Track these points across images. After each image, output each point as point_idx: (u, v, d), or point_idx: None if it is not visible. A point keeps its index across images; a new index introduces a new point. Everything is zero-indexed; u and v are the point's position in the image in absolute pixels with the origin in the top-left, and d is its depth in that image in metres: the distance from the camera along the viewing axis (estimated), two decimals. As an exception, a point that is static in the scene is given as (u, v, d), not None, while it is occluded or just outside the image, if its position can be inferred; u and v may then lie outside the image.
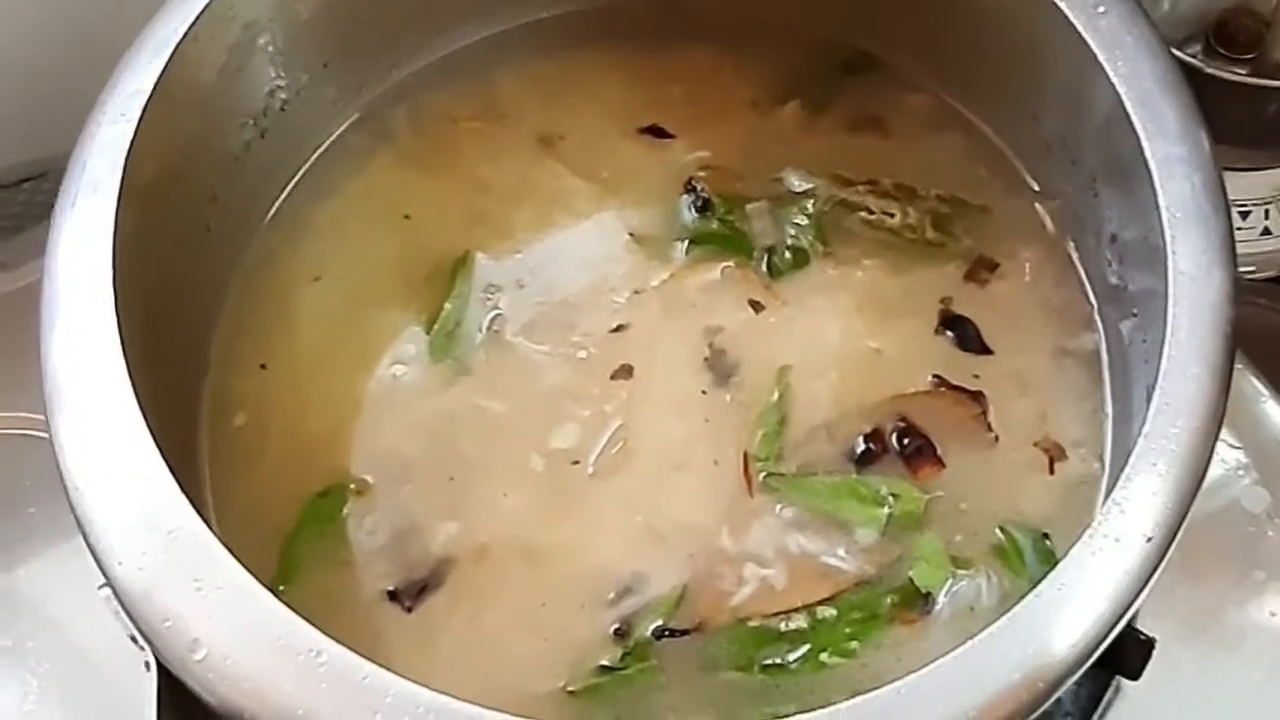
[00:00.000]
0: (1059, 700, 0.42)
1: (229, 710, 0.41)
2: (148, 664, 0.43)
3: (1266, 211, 0.81)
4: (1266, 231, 0.81)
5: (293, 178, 0.65)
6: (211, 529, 0.54)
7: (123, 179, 0.51)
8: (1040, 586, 0.42)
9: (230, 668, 0.41)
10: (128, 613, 0.43)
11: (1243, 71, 0.80)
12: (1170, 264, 0.47)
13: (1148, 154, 0.50)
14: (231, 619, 0.42)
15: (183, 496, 0.45)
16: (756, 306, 0.61)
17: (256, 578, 0.44)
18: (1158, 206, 0.49)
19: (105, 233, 0.49)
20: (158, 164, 0.55)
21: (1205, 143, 0.50)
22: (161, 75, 0.53)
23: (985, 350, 0.60)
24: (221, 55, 0.58)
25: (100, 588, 0.44)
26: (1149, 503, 0.43)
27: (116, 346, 0.48)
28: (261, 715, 0.41)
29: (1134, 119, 0.51)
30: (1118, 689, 0.60)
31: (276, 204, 0.65)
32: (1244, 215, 0.81)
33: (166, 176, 0.56)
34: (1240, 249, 0.78)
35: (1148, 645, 0.53)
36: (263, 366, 0.61)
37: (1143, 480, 0.44)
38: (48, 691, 0.53)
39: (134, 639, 0.43)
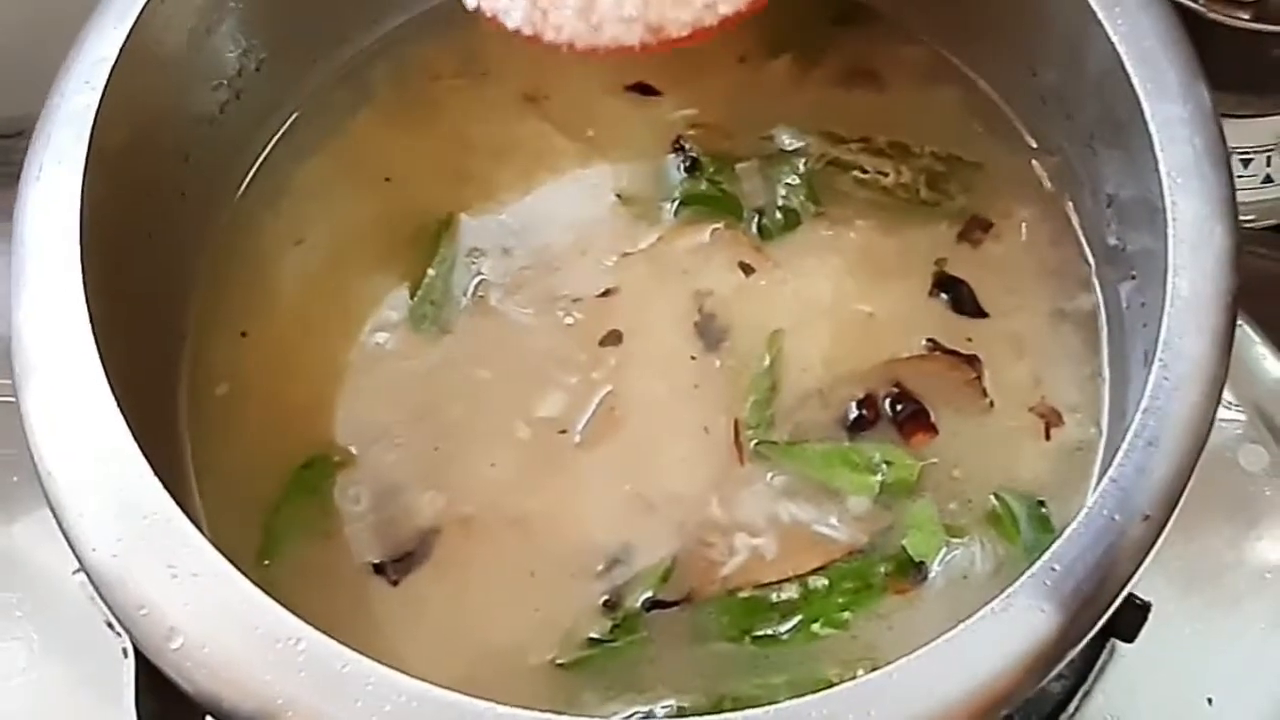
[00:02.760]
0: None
1: (206, 699, 0.40)
2: (125, 650, 0.42)
3: (1268, 159, 0.80)
4: (1268, 179, 0.80)
5: (270, 139, 0.64)
6: (193, 502, 0.55)
7: (89, 149, 0.49)
8: (1036, 566, 0.41)
9: (207, 656, 0.41)
10: (103, 599, 0.42)
11: (1245, 17, 0.78)
12: (1170, 229, 0.46)
13: (1147, 115, 0.48)
14: (208, 606, 0.41)
15: (157, 480, 0.44)
16: (747, 269, 0.60)
17: (234, 562, 0.43)
18: (1157, 168, 0.47)
19: (71, 206, 0.48)
20: (127, 130, 0.53)
21: (1207, 101, 0.49)
22: (127, 40, 0.51)
23: (980, 313, 0.59)
24: (190, 18, 0.56)
25: (75, 573, 0.43)
26: (1147, 479, 0.42)
27: (85, 324, 0.46)
28: (240, 704, 0.40)
29: (1133, 78, 0.49)
30: (1113, 651, 0.60)
31: (254, 167, 0.63)
32: (1245, 163, 0.79)
33: (138, 142, 0.54)
34: (1241, 197, 0.76)
35: (1143, 610, 0.53)
36: (243, 334, 0.60)
37: (1140, 456, 0.43)
38: (30, 671, 0.52)
39: (110, 625, 0.42)
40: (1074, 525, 0.42)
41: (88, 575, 0.43)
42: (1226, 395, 0.65)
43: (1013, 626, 0.40)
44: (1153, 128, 0.48)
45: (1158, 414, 0.43)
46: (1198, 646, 0.60)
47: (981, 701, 0.39)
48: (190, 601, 0.42)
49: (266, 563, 0.54)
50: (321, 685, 0.40)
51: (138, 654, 0.42)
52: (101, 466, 0.44)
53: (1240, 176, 0.78)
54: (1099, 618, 0.41)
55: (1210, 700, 0.59)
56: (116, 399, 0.45)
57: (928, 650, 0.40)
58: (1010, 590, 0.41)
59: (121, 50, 0.51)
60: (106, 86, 0.50)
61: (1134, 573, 0.41)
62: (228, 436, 0.57)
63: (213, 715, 0.41)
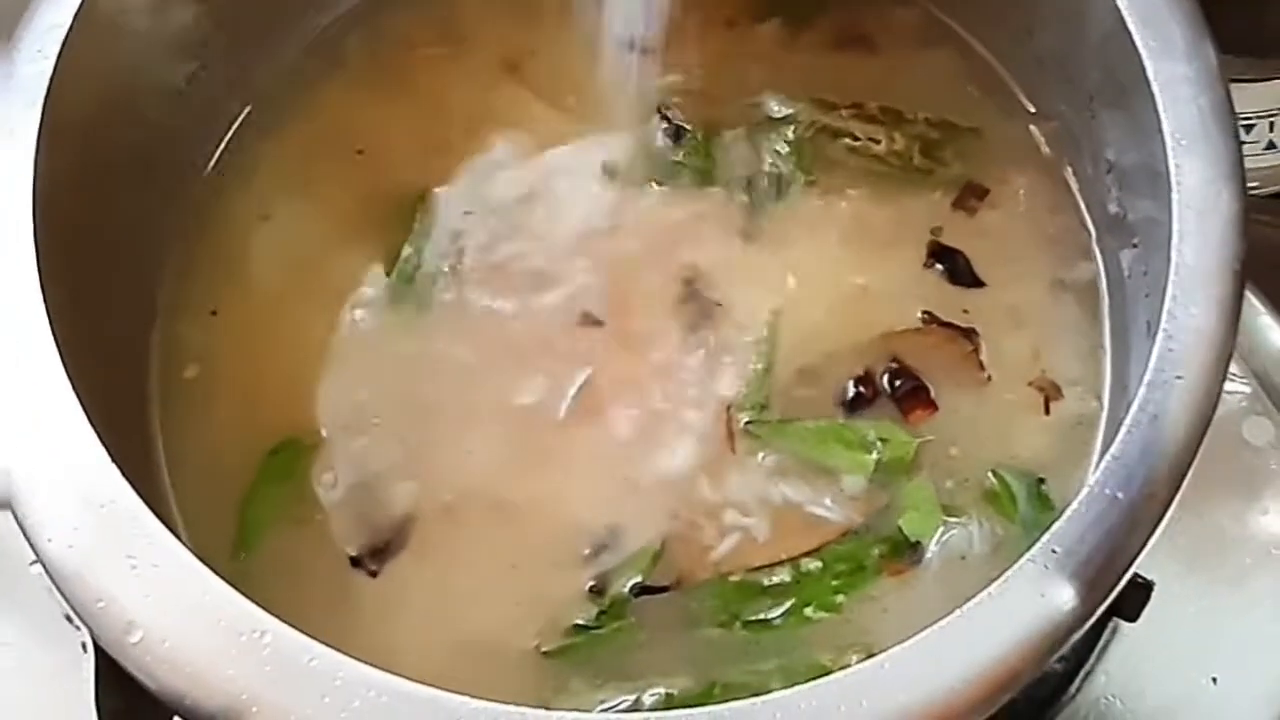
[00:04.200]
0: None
1: (168, 696, 0.39)
2: (84, 645, 0.40)
3: (1271, 124, 0.78)
4: (1271, 146, 0.78)
5: (240, 112, 0.62)
6: (164, 490, 0.54)
7: (42, 122, 0.47)
8: (1034, 549, 0.39)
9: (168, 651, 0.39)
10: (60, 592, 0.40)
11: (1248, -22, 0.76)
12: (1175, 195, 0.44)
13: (1150, 75, 0.46)
14: (169, 598, 0.40)
15: (115, 468, 0.42)
16: (735, 243, 0.58)
17: (207, 553, 0.41)
18: (1161, 131, 0.45)
19: (24, 181, 0.46)
20: (86, 102, 0.51)
21: (1214, 60, 0.47)
22: (82, 6, 0.49)
23: (977, 283, 0.57)
24: (152, -18, 0.54)
25: (31, 564, 0.41)
26: (1150, 456, 0.40)
27: (39, 306, 0.44)
28: (203, 701, 0.38)
29: (1135, 37, 0.47)
30: (1115, 630, 0.59)
31: (224, 140, 0.62)
32: (1247, 129, 0.78)
33: (98, 115, 0.53)
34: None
35: (1146, 589, 0.52)
36: (213, 313, 0.58)
37: (1143, 432, 0.41)
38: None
39: (70, 618, 0.40)
40: (1075, 504, 0.40)
41: (44, 567, 0.41)
42: (1231, 367, 0.64)
43: (1011, 612, 0.38)
44: (1156, 88, 0.46)
45: (1162, 387, 0.41)
46: (1202, 625, 0.59)
47: (978, 691, 0.37)
48: (150, 594, 0.40)
49: (242, 556, 0.52)
50: (287, 680, 0.38)
51: (98, 648, 0.40)
52: (58, 455, 0.42)
53: (1243, 143, 0.76)
54: (1102, 601, 0.39)
55: (1215, 679, 0.58)
56: (73, 384, 0.43)
57: (922, 638, 0.38)
58: (1008, 574, 0.39)
59: (76, 16, 0.49)
60: (60, 55, 0.48)
61: (1139, 553, 0.40)
62: (198, 421, 0.56)
63: (175, 711, 0.39)
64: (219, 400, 0.56)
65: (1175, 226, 0.44)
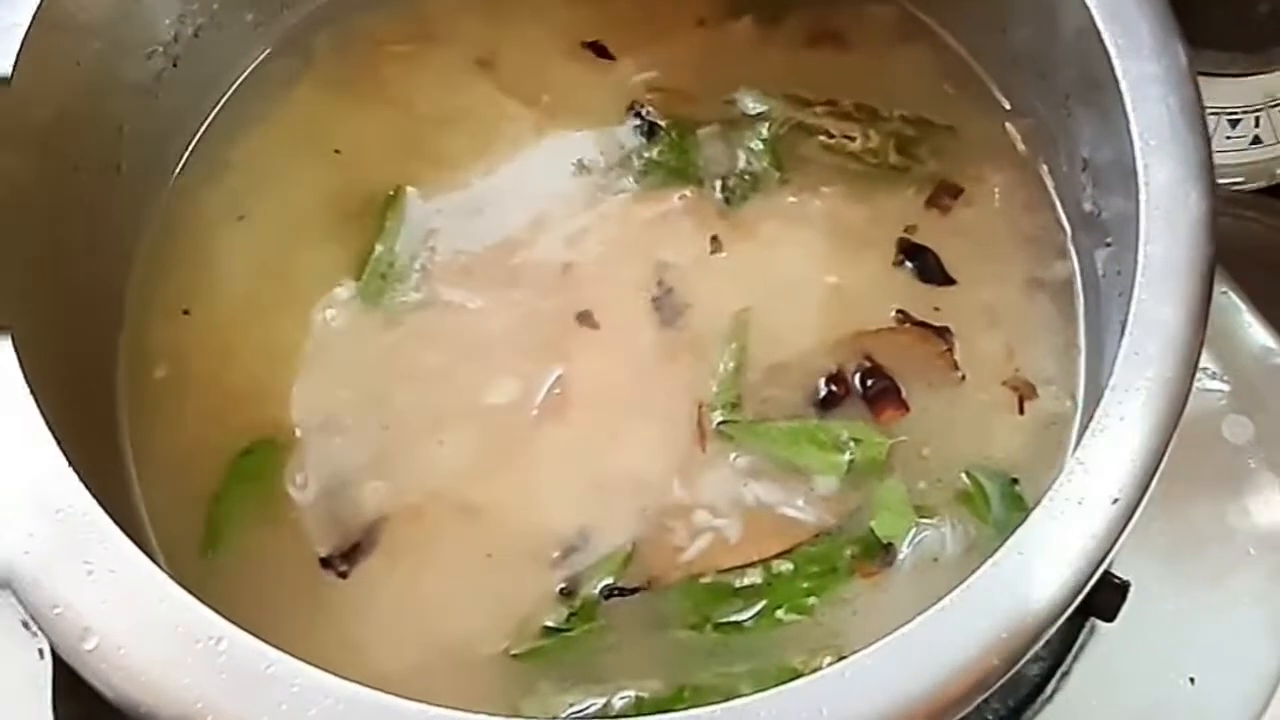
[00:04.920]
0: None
1: (124, 703, 0.38)
2: (41, 651, 0.40)
3: (1256, 119, 0.77)
4: (1256, 140, 0.77)
5: (211, 110, 0.62)
6: (132, 491, 0.53)
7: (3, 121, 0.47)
8: (999, 553, 0.39)
9: (124, 658, 0.38)
10: (17, 598, 0.40)
11: (1232, -29, 0.76)
12: (1143, 195, 0.44)
13: (1119, 73, 0.46)
14: (125, 605, 0.39)
15: (73, 472, 0.41)
16: (709, 241, 0.58)
17: (175, 553, 0.41)
18: (1129, 130, 0.45)
19: (-17, 182, 0.45)
20: (50, 102, 0.51)
21: (1183, 59, 0.46)
22: (42, 4, 0.48)
23: (948, 281, 0.57)
24: (116, -23, 0.54)
25: (-12, 570, 0.41)
26: (1116, 461, 0.40)
27: (-4, 309, 0.44)
28: (158, 709, 0.38)
29: (1104, 34, 0.46)
30: (1092, 630, 0.58)
31: (194, 138, 0.61)
32: (1233, 124, 0.77)
33: (64, 114, 0.52)
34: (1229, 159, 0.75)
35: (1123, 589, 0.51)
36: (185, 312, 0.57)
37: (1109, 436, 0.40)
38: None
39: (26, 625, 0.40)
40: (1039, 509, 0.40)
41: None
42: (1211, 365, 0.63)
43: (974, 618, 0.38)
44: (1124, 87, 0.46)
45: (1127, 389, 0.41)
46: (1179, 625, 0.59)
47: (945, 695, 0.37)
48: (107, 600, 0.39)
49: (211, 554, 0.52)
50: (244, 687, 0.38)
51: (55, 655, 0.40)
52: (14, 460, 0.42)
53: (1229, 138, 0.76)
54: (1069, 605, 0.38)
55: (1192, 680, 0.58)
56: (31, 388, 0.43)
57: (885, 643, 0.38)
58: (974, 577, 0.39)
59: (35, 16, 0.48)
60: (20, 54, 0.48)
61: (1106, 556, 0.39)
62: (168, 421, 0.55)
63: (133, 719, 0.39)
64: (190, 400, 0.56)
65: (1143, 226, 0.43)
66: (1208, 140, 0.45)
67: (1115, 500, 0.39)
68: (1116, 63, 0.46)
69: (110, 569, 0.40)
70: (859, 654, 0.38)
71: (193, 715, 0.38)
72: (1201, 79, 0.48)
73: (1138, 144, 0.45)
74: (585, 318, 0.56)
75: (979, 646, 0.38)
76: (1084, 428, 0.50)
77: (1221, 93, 0.75)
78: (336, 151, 0.60)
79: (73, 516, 0.41)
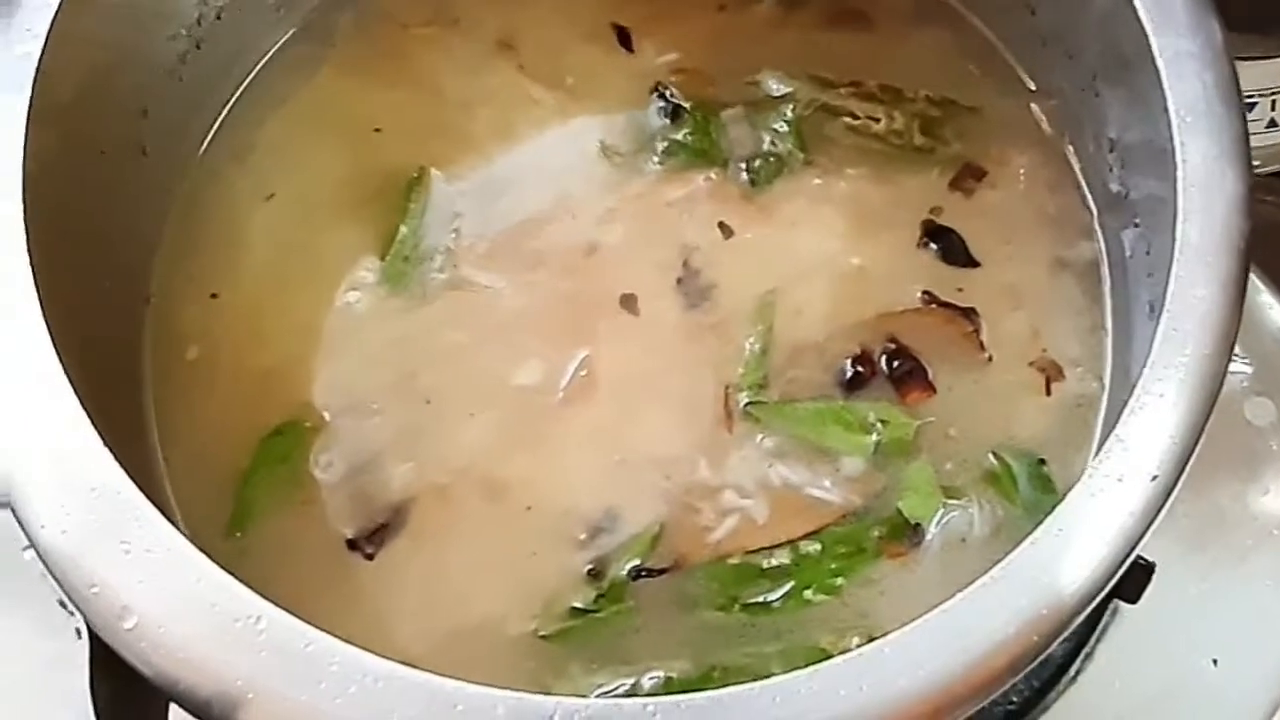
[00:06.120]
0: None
1: (164, 681, 0.38)
2: (79, 630, 0.40)
3: (1273, 103, 0.77)
4: (1272, 124, 0.77)
5: (235, 91, 0.61)
6: (158, 471, 0.53)
7: (33, 101, 0.47)
8: (1037, 531, 0.39)
9: (163, 636, 0.38)
10: (54, 577, 0.40)
11: (1251, -47, 0.75)
12: (1180, 173, 0.43)
13: (1155, 50, 0.46)
14: (163, 584, 0.39)
15: (108, 453, 0.41)
16: (732, 223, 0.57)
17: (203, 534, 0.41)
18: (1166, 108, 0.45)
19: (13, 162, 0.45)
20: (77, 83, 0.51)
21: (1218, 36, 0.46)
22: (72, -16, 0.48)
23: (972, 263, 0.57)
24: (143, -39, 0.53)
25: (25, 550, 0.41)
26: (1154, 438, 0.40)
27: (30, 289, 0.44)
28: (198, 686, 0.38)
29: (1139, 10, 0.46)
30: (1115, 611, 0.58)
31: (218, 120, 0.61)
32: (1250, 107, 0.77)
33: (90, 95, 0.52)
34: None
35: (1147, 570, 0.51)
36: (214, 295, 0.57)
37: (1147, 414, 0.40)
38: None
39: (63, 604, 0.40)
40: (1078, 487, 0.40)
41: (38, 553, 0.41)
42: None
43: (1013, 596, 0.38)
44: (1160, 64, 0.45)
45: (1166, 368, 0.41)
46: (1202, 606, 0.59)
47: (979, 676, 0.37)
48: (144, 579, 0.39)
49: (238, 534, 0.52)
50: (283, 666, 0.38)
51: (92, 634, 0.40)
52: (52, 441, 0.42)
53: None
54: (1104, 586, 0.38)
55: (1215, 661, 0.58)
56: (65, 368, 0.43)
57: (923, 621, 0.38)
58: (1011, 557, 0.39)
59: (66, -5, 0.48)
60: (49, 34, 0.47)
61: (1142, 536, 0.39)
62: (196, 402, 0.55)
63: (170, 697, 0.39)
64: (217, 382, 0.56)
65: (1180, 205, 0.43)
66: (1244, 118, 0.45)
67: (1155, 477, 0.39)
68: (1152, 39, 0.46)
69: (147, 549, 0.40)
70: (899, 631, 0.38)
71: (232, 693, 0.38)
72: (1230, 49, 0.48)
73: (1174, 122, 0.44)
74: (611, 298, 0.56)
75: (1018, 624, 0.38)
76: (1112, 409, 0.51)
77: (1239, 75, 0.75)
78: (357, 134, 0.60)
79: (110, 497, 0.41)
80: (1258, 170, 0.76)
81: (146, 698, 0.40)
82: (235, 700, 0.38)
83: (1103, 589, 0.38)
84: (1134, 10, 0.47)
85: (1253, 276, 0.64)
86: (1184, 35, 0.46)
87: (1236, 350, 0.63)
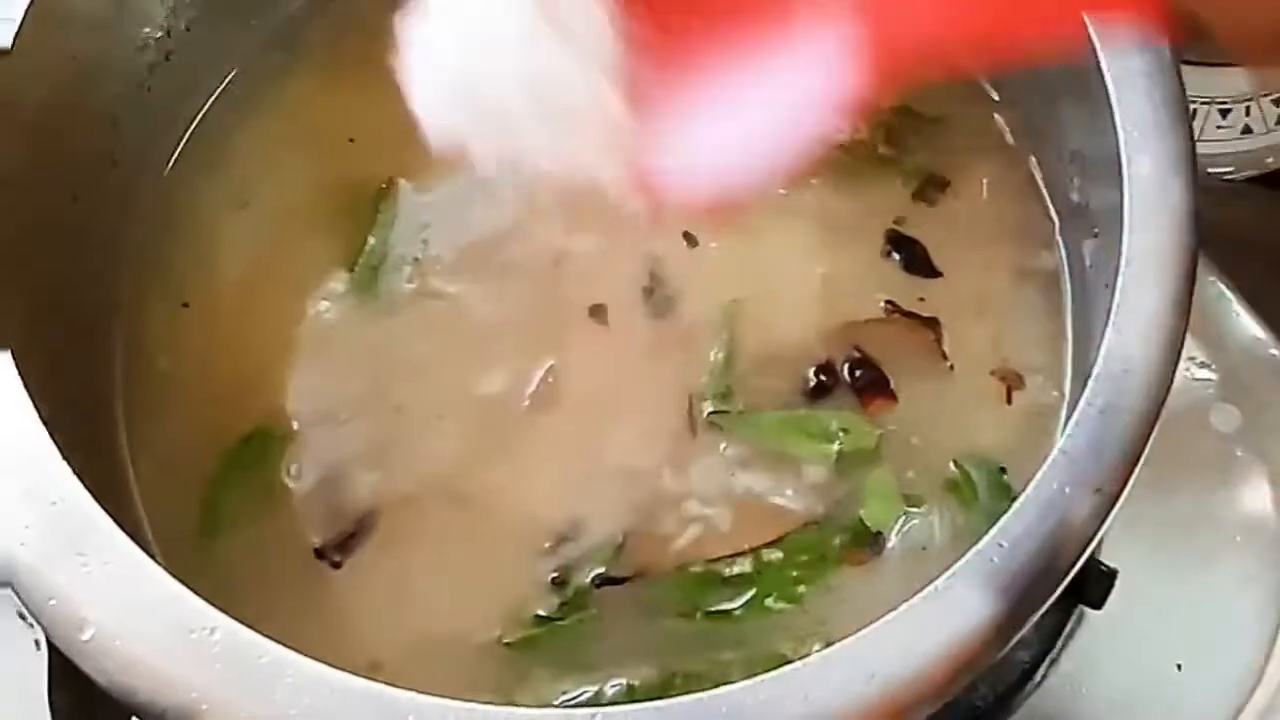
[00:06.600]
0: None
1: (120, 693, 0.39)
2: (38, 642, 0.40)
3: (1247, 109, 0.77)
4: (1247, 130, 0.78)
5: (204, 103, 0.62)
6: (127, 480, 0.54)
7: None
8: (982, 543, 0.39)
9: (120, 648, 0.39)
10: (12, 589, 0.40)
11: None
12: (1126, 187, 0.44)
13: (1104, 66, 0.46)
14: (120, 596, 0.40)
15: (66, 465, 0.42)
16: (698, 234, 0.58)
17: (171, 542, 0.41)
18: (1114, 123, 0.45)
19: (-25, 177, 0.46)
20: (45, 95, 0.51)
21: (1167, 53, 0.46)
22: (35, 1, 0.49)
23: (934, 272, 0.57)
24: (109, -28, 0.54)
25: (-18, 562, 0.41)
26: (1098, 450, 0.40)
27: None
28: (155, 699, 0.38)
29: (1090, 27, 0.47)
30: (1080, 617, 0.59)
31: (189, 130, 0.61)
32: (1223, 113, 0.77)
33: (58, 107, 0.52)
34: (1219, 148, 0.76)
35: (1110, 576, 0.52)
36: (185, 305, 0.58)
37: (1092, 425, 0.41)
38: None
39: (22, 616, 0.40)
40: (1022, 499, 0.40)
41: (-4, 565, 0.41)
42: (1199, 354, 0.64)
43: (957, 607, 0.38)
44: (1109, 80, 0.46)
45: (1111, 379, 0.41)
46: (1167, 612, 0.59)
47: (924, 684, 0.37)
48: (101, 591, 0.40)
49: (206, 543, 0.52)
50: (238, 678, 0.38)
51: (51, 646, 0.40)
52: (7, 452, 0.42)
53: (1219, 127, 0.76)
54: (1048, 596, 0.39)
55: (1180, 666, 0.58)
56: (24, 380, 0.43)
57: (868, 631, 0.38)
58: (954, 568, 0.39)
59: (29, 8, 0.48)
60: (14, 47, 0.48)
61: (1085, 549, 0.39)
62: (166, 412, 0.56)
63: (129, 709, 0.39)
64: (188, 391, 0.56)
65: (1127, 217, 0.44)
66: (1190, 133, 0.46)
67: (1098, 490, 0.40)
68: (1102, 55, 0.46)
69: (104, 561, 0.40)
70: (842, 641, 0.38)
71: (188, 704, 0.38)
72: (1193, 69, 0.49)
73: (1122, 136, 0.45)
74: (577, 308, 0.56)
75: (960, 635, 0.38)
76: (1070, 417, 0.51)
77: (1212, 82, 0.75)
78: (328, 144, 0.61)
79: (68, 509, 0.41)
80: (1231, 176, 0.77)
81: (106, 710, 0.40)
82: (190, 712, 0.38)
83: (1047, 600, 0.39)
84: (1084, 26, 0.47)
85: (1219, 284, 0.65)
86: (1133, 53, 0.46)
87: (1203, 358, 0.64)
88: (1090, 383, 0.41)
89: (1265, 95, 0.77)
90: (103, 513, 0.41)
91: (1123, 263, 0.43)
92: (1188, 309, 0.42)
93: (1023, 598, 0.38)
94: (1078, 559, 0.39)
